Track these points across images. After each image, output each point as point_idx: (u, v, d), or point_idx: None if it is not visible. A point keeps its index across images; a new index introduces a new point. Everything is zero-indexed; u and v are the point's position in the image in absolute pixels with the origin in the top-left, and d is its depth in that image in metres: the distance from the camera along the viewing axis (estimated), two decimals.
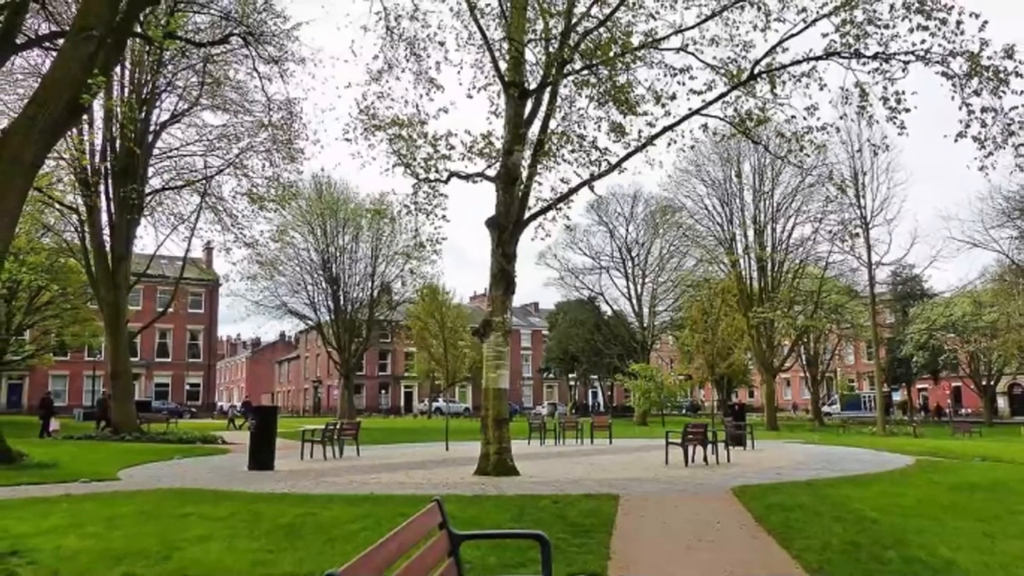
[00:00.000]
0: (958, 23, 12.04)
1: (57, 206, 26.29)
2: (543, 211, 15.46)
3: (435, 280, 54.11)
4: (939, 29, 12.21)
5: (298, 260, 51.57)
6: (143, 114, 25.00)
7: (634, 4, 14.46)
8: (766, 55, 13.93)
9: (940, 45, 12.37)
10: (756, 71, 13.99)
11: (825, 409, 57.04)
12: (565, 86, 15.56)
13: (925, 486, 11.74)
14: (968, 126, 12.36)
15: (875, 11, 12.72)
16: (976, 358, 51.48)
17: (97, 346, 47.84)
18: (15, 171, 10.01)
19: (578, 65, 14.81)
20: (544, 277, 68.17)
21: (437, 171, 15.10)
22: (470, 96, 16.21)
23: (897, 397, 62.14)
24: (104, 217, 25.88)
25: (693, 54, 14.23)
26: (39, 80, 13.74)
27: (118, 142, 24.98)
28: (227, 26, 21.80)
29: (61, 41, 12.16)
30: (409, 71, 15.38)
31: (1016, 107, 12.13)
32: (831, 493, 10.70)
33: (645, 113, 14.68)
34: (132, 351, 37.40)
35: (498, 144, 14.93)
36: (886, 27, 12.69)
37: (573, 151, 15.37)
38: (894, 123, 12.99)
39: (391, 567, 2.85)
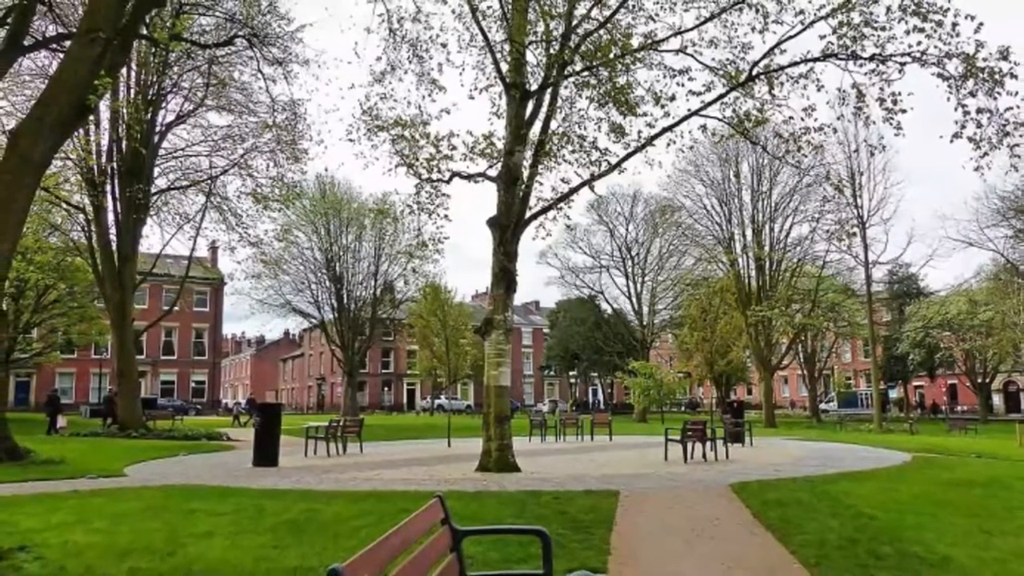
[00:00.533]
0: (954, 25, 12.09)
1: (64, 206, 26.40)
2: (544, 211, 15.56)
3: (437, 279, 54.26)
4: (935, 31, 12.26)
5: (302, 259, 51.74)
6: (149, 115, 25.11)
7: (634, 6, 14.56)
8: (764, 57, 14.00)
9: (936, 47, 12.43)
10: (754, 72, 14.07)
11: (822, 406, 57.13)
12: (566, 87, 15.67)
13: (921, 482, 11.82)
14: (964, 127, 12.41)
15: (872, 13, 12.78)
16: (972, 356, 51.67)
17: (103, 344, 47.96)
18: (24, 170, 10.13)
19: (579, 67, 14.92)
20: (545, 276, 68.75)
21: (439, 171, 15.20)
22: (472, 97, 16.35)
23: (893, 394, 62.22)
24: (110, 216, 26.07)
25: (692, 56, 14.33)
26: (46, 81, 13.88)
27: (124, 142, 25.12)
28: (232, 28, 21.91)
29: (68, 43, 12.28)
30: (412, 72, 15.49)
31: (1011, 108, 12.18)
32: (828, 489, 10.78)
33: (645, 114, 14.80)
34: (138, 349, 37.58)
35: (499, 144, 15.02)
36: (882, 29, 12.74)
37: (574, 151, 15.49)
38: (891, 124, 13.08)
39: (394, 562, 2.90)
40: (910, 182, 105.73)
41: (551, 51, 14.72)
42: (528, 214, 15.26)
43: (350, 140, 15.50)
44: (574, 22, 14.68)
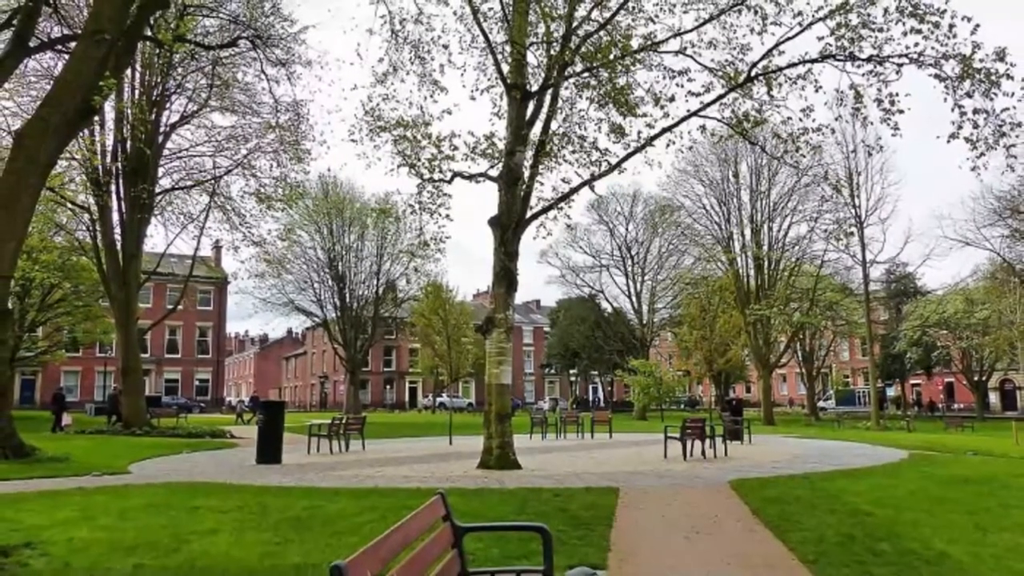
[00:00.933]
0: (951, 27, 12.17)
1: (69, 205, 26.47)
2: (545, 210, 15.65)
3: (439, 278, 54.40)
4: (932, 32, 12.34)
5: (305, 258, 51.72)
6: (153, 115, 25.15)
7: (633, 8, 14.66)
8: (763, 58, 14.08)
9: (933, 48, 12.51)
10: (753, 73, 14.15)
11: (820, 404, 57.13)
12: (566, 88, 15.77)
13: (918, 479, 11.88)
14: (960, 127, 12.50)
15: (869, 15, 12.86)
16: (968, 354, 51.88)
17: (108, 342, 48.13)
18: (30, 170, 10.27)
19: (579, 68, 15.02)
20: (546, 275, 69.17)
21: (441, 171, 15.31)
22: (473, 98, 16.44)
23: (891, 392, 62.25)
24: (115, 216, 26.10)
25: (691, 57, 14.42)
26: (52, 82, 13.99)
27: (129, 143, 25.15)
28: (235, 29, 22.02)
29: (73, 44, 12.40)
30: (413, 73, 15.61)
31: (1007, 109, 12.25)
32: (826, 486, 10.85)
33: (644, 115, 14.89)
34: (142, 347, 37.74)
35: (500, 145, 15.12)
36: (880, 30, 12.82)
37: (574, 152, 15.60)
38: (888, 124, 13.15)
39: (396, 559, 2.95)
40: (907, 182, 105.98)
41: (552, 52, 14.81)
42: (529, 214, 15.35)
43: (353, 140, 15.65)
44: (574, 24, 14.77)
